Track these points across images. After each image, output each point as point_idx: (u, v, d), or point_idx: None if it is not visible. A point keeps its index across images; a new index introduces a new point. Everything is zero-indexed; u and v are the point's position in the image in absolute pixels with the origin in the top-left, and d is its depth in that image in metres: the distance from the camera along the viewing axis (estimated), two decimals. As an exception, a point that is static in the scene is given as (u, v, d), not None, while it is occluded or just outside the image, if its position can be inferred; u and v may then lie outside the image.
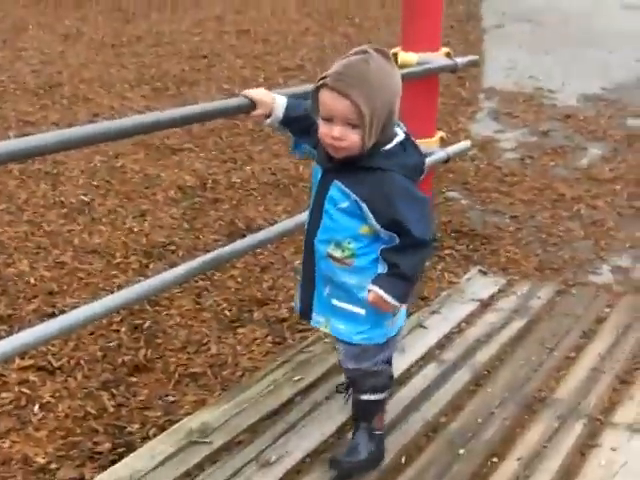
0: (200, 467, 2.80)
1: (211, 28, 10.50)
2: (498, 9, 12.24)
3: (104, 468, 2.91)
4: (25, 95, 7.71)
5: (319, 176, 2.58)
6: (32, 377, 3.57)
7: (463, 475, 2.81)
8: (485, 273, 4.44)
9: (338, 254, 2.55)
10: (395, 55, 4.35)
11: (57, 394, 3.47)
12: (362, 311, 2.59)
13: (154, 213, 5.26)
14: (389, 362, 2.82)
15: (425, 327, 3.80)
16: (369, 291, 2.52)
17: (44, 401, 3.42)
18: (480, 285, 4.27)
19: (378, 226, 2.47)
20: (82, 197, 5.48)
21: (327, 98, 2.38)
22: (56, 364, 3.65)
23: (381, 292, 2.50)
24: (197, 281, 4.34)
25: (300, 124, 2.68)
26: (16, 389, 3.48)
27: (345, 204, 2.49)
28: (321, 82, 2.39)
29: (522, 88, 8.32)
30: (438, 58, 4.32)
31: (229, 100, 2.88)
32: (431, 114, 4.49)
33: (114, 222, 5.12)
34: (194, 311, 4.07)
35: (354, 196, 2.46)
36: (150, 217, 5.20)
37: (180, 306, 4.11)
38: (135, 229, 5.02)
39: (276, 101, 2.73)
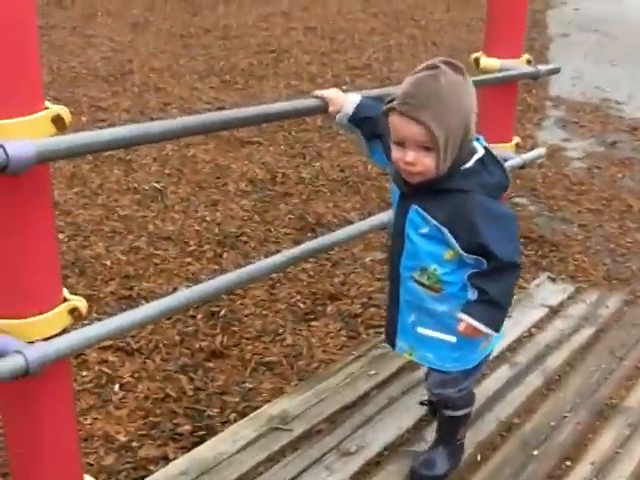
0: (281, 453, 2.87)
1: (278, 23, 10.60)
2: (564, 18, 12.20)
3: (186, 449, 3.00)
4: (96, 81, 7.86)
5: (397, 198, 2.49)
6: (111, 357, 3.67)
7: (537, 476, 2.86)
8: (554, 280, 4.46)
9: (425, 280, 2.45)
10: (477, 60, 4.39)
11: (136, 375, 3.57)
12: (453, 339, 2.50)
13: (225, 203, 5.35)
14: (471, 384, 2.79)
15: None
16: (460, 320, 2.42)
17: (124, 381, 3.52)
18: (549, 291, 4.30)
19: (462, 251, 2.35)
20: (154, 184, 5.59)
21: (397, 122, 2.27)
22: (135, 346, 3.75)
23: (472, 321, 2.39)
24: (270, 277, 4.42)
25: (372, 126, 2.56)
26: (96, 368, 3.58)
27: (425, 229, 2.39)
28: (390, 105, 2.30)
29: (588, 98, 8.30)
30: (520, 65, 4.35)
31: (304, 101, 2.79)
32: (509, 120, 4.52)
33: (187, 210, 5.22)
34: (268, 302, 4.15)
35: (433, 221, 2.36)
36: (222, 207, 5.29)
37: (254, 296, 4.19)
38: (207, 218, 5.11)
39: (348, 98, 2.62)
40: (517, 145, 4.59)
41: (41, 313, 2.21)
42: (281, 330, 3.91)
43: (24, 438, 2.38)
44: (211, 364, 3.65)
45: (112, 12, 10.55)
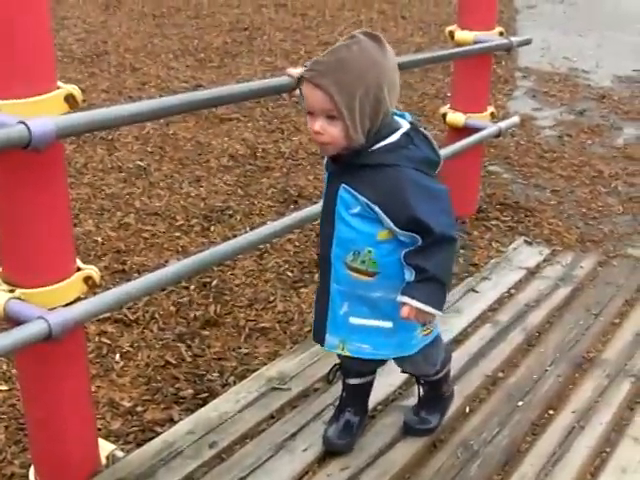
0: (282, 411, 3.04)
1: (249, 1, 10.69)
2: (530, -11, 12.38)
3: (191, 411, 3.15)
4: (72, 63, 7.93)
5: (326, 179, 2.42)
6: (110, 329, 3.81)
7: (523, 424, 3.04)
8: (530, 243, 4.64)
9: (358, 265, 2.35)
10: (451, 33, 4.55)
11: (135, 344, 3.70)
12: (389, 324, 2.42)
13: (208, 179, 5.48)
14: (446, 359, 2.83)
15: (477, 291, 4.02)
16: (402, 304, 2.31)
17: (124, 350, 3.66)
18: (526, 254, 4.48)
19: (396, 228, 2.26)
20: (138, 162, 5.71)
21: (305, 89, 2.24)
22: (132, 317, 3.88)
23: (415, 302, 2.28)
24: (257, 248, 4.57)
25: None
26: (96, 339, 3.72)
27: (357, 209, 2.29)
28: (300, 72, 2.30)
29: (557, 68, 8.49)
30: (493, 37, 4.52)
31: (274, 79, 2.83)
32: (484, 91, 4.69)
33: (171, 186, 5.35)
34: (257, 272, 4.30)
35: (363, 199, 2.26)
36: (205, 183, 5.42)
37: (243, 267, 4.34)
38: (192, 194, 5.24)
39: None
40: (492, 115, 4.76)
41: (58, 282, 2.35)
42: (272, 298, 4.06)
43: (44, 402, 2.53)
44: (207, 332, 3.80)
45: (76, -8, 10.58)
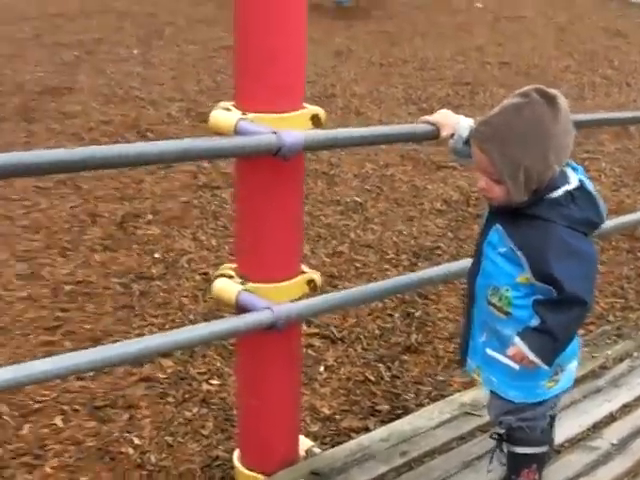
0: (472, 434, 3.18)
1: (473, 57, 10.93)
2: None
3: (385, 423, 3.36)
4: (306, 101, 8.38)
5: (485, 215, 2.48)
6: (317, 343, 4.09)
7: None
8: None
9: (496, 301, 2.41)
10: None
11: (339, 360, 3.96)
12: (516, 366, 2.40)
13: (421, 220, 5.72)
14: (545, 417, 2.63)
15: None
16: (512, 343, 2.36)
17: (328, 364, 3.93)
18: None
19: (533, 277, 2.29)
20: (356, 198, 6.02)
21: (472, 147, 2.31)
22: (338, 335, 4.16)
23: (522, 345, 2.33)
24: (462, 283, 4.74)
25: None
26: (304, 351, 4.00)
27: (503, 249, 2.34)
28: (470, 131, 2.39)
29: None
30: None
31: (415, 126, 2.91)
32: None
33: (385, 223, 5.62)
34: (460, 308, 4.47)
35: (511, 243, 2.31)
36: (417, 223, 5.66)
37: (447, 302, 4.53)
38: (404, 232, 5.49)
39: (460, 122, 2.63)
40: None
41: (285, 280, 2.63)
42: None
43: (259, 390, 2.80)
44: (406, 357, 4.01)
45: (316, 40, 11.11)
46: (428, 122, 2.73)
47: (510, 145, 2.19)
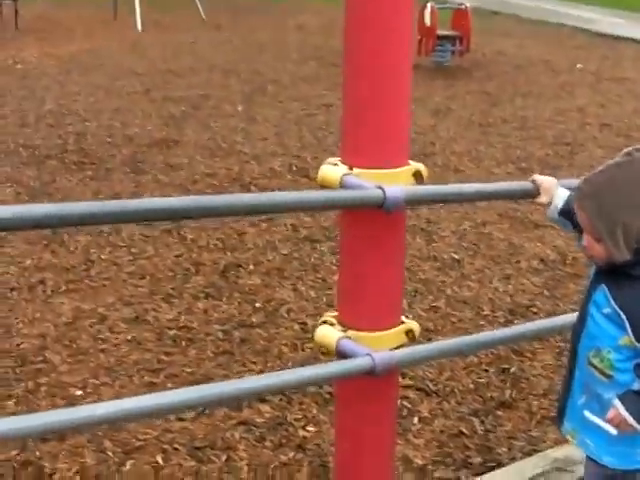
0: (563, 490, 3.23)
1: (574, 118, 10.93)
2: None
3: (477, 476, 3.41)
4: (401, 160, 8.53)
5: (591, 275, 2.51)
6: (412, 395, 4.16)
7: None
8: None
9: (597, 363, 2.41)
10: None
11: (433, 412, 4.03)
12: (614, 431, 2.38)
13: (517, 278, 5.75)
14: None
15: None
16: (613, 406, 2.36)
17: (422, 415, 3.99)
18: None
19: (635, 340, 2.30)
20: (453, 254, 6.09)
21: (575, 206, 2.38)
22: (433, 388, 4.22)
23: (621, 409, 2.33)
24: (557, 341, 4.77)
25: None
26: (399, 402, 4.07)
27: (607, 310, 2.35)
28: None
29: None
30: None
31: (516, 183, 3.08)
32: None
33: (482, 280, 5.67)
34: (554, 366, 4.50)
35: (615, 304, 2.32)
36: (514, 281, 5.70)
37: (542, 360, 4.56)
38: (500, 289, 5.54)
39: (559, 192, 2.68)
40: None
41: (385, 329, 2.74)
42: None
43: (356, 437, 2.89)
44: (500, 412, 4.05)
45: (417, 99, 11.26)
46: (534, 182, 2.82)
47: (607, 202, 2.24)
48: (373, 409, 2.84)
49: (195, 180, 7.35)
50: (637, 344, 2.30)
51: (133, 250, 5.84)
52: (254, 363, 4.35)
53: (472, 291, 5.47)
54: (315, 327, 4.57)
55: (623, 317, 2.31)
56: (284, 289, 5.31)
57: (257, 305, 5.05)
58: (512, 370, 4.43)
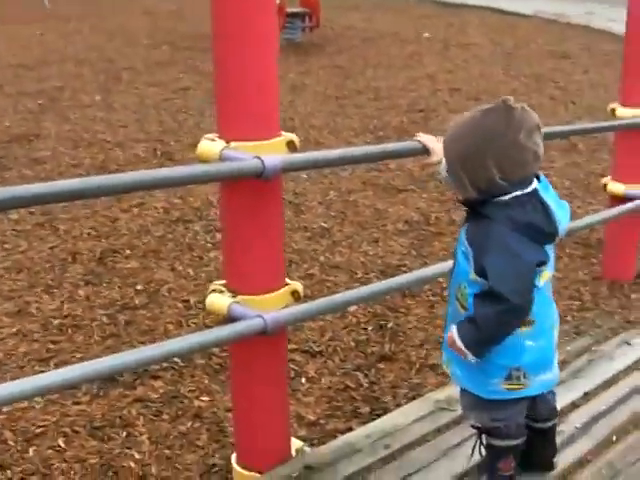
0: (447, 426, 3.45)
1: (425, 85, 11.33)
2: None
3: (367, 424, 3.63)
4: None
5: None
6: (298, 357, 4.36)
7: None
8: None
9: (459, 297, 2.59)
10: (613, 110, 4.98)
11: (319, 371, 4.24)
12: (473, 359, 2.55)
13: (385, 241, 6.03)
14: (517, 417, 2.76)
15: (630, 344, 4.33)
16: (450, 330, 2.57)
17: (309, 375, 4.20)
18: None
19: (474, 271, 2.47)
20: (322, 224, 6.32)
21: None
22: (317, 349, 4.44)
23: (454, 331, 2.52)
24: (428, 296, 5.06)
25: None
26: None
27: (463, 247, 2.52)
28: None
29: None
30: (652, 112, 4.92)
31: (402, 143, 3.28)
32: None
33: (352, 245, 5.92)
34: (428, 318, 4.78)
35: (466, 240, 2.50)
36: (382, 244, 5.97)
37: (416, 314, 4.84)
38: (370, 252, 5.80)
39: None
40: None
41: (271, 292, 2.92)
42: (441, 340, 4.50)
43: (251, 393, 3.07)
44: (382, 365, 4.30)
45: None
46: (419, 141, 3.05)
47: (453, 142, 2.47)
48: (267, 368, 3.02)
49: (61, 172, 7.34)
50: (476, 277, 2.46)
51: (6, 246, 5.83)
52: (142, 343, 4.45)
53: (344, 256, 5.71)
54: (197, 303, 4.76)
55: (470, 252, 2.48)
56: (162, 270, 5.42)
57: (138, 287, 5.15)
58: (389, 325, 4.69)
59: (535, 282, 2.48)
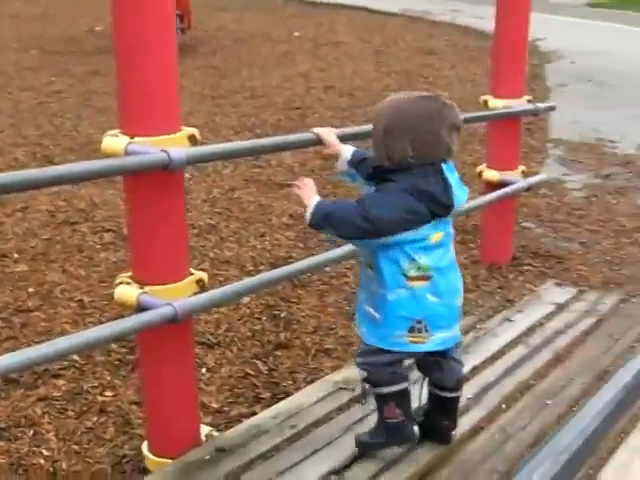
0: (348, 405, 3.63)
1: (299, 83, 11.54)
2: (561, 71, 13.16)
3: (270, 407, 3.77)
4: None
5: None
6: (196, 350, 4.43)
7: (551, 417, 3.60)
8: (559, 285, 5.25)
9: (366, 259, 2.88)
10: (485, 101, 5.26)
11: (218, 362, 4.36)
12: (377, 315, 2.87)
13: (272, 235, 6.18)
14: (389, 367, 2.99)
15: (512, 320, 4.62)
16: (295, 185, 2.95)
17: (209, 366, 4.31)
18: (556, 293, 5.08)
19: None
20: (208, 220, 6.43)
21: None
22: (214, 340, 4.55)
23: (316, 200, 2.85)
24: (318, 285, 5.23)
25: (367, 166, 2.97)
26: (185, 358, 4.37)
27: None
28: None
29: (585, 139, 9.17)
30: (521, 103, 5.22)
31: (297, 135, 3.58)
32: (514, 150, 5.37)
33: (239, 240, 6.05)
34: (320, 306, 4.95)
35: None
36: (269, 237, 6.12)
37: (307, 302, 5.00)
38: (258, 246, 5.94)
39: (343, 147, 3.16)
40: (523, 172, 5.42)
41: (177, 281, 3.03)
42: (333, 326, 4.70)
43: (160, 382, 3.17)
44: (279, 352, 4.45)
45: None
46: (315, 133, 3.32)
47: (385, 116, 2.75)
48: (176, 356, 3.13)
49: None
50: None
51: None
52: (39, 343, 4.47)
53: (232, 251, 5.83)
54: (91, 302, 4.80)
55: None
56: (53, 272, 5.42)
57: (30, 290, 5.15)
58: (283, 315, 4.84)
59: (416, 230, 2.74)
